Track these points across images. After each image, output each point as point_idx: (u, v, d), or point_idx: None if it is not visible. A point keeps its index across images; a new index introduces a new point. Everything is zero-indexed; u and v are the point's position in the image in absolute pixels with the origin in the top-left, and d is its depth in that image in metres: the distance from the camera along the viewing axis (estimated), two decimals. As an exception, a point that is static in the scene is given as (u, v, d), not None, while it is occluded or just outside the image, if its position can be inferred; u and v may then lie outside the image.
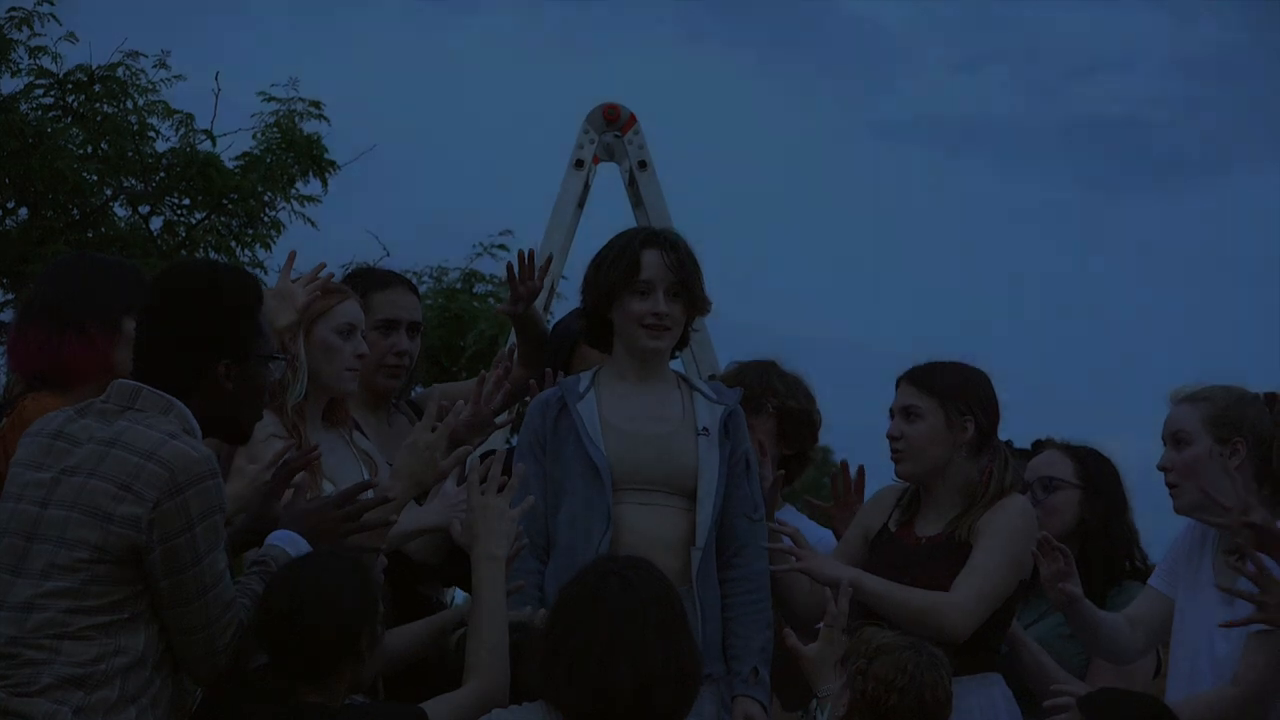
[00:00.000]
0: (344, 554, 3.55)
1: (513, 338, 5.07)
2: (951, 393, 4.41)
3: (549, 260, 5.08)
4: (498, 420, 4.41)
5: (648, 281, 4.27)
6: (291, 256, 4.52)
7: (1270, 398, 4.43)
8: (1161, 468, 4.38)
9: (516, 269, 4.84)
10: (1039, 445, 5.00)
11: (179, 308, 3.47)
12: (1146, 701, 3.93)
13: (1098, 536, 4.71)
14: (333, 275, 4.53)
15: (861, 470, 4.89)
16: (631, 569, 3.44)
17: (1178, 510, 4.35)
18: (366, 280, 4.86)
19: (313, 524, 3.64)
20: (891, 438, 4.45)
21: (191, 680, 3.46)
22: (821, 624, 3.98)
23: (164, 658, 3.36)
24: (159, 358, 3.44)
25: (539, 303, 5.03)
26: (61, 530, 3.29)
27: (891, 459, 4.47)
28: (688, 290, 4.32)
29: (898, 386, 4.50)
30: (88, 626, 3.26)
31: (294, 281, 4.38)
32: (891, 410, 4.49)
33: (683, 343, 4.44)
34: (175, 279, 3.59)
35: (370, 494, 3.77)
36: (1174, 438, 4.40)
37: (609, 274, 4.29)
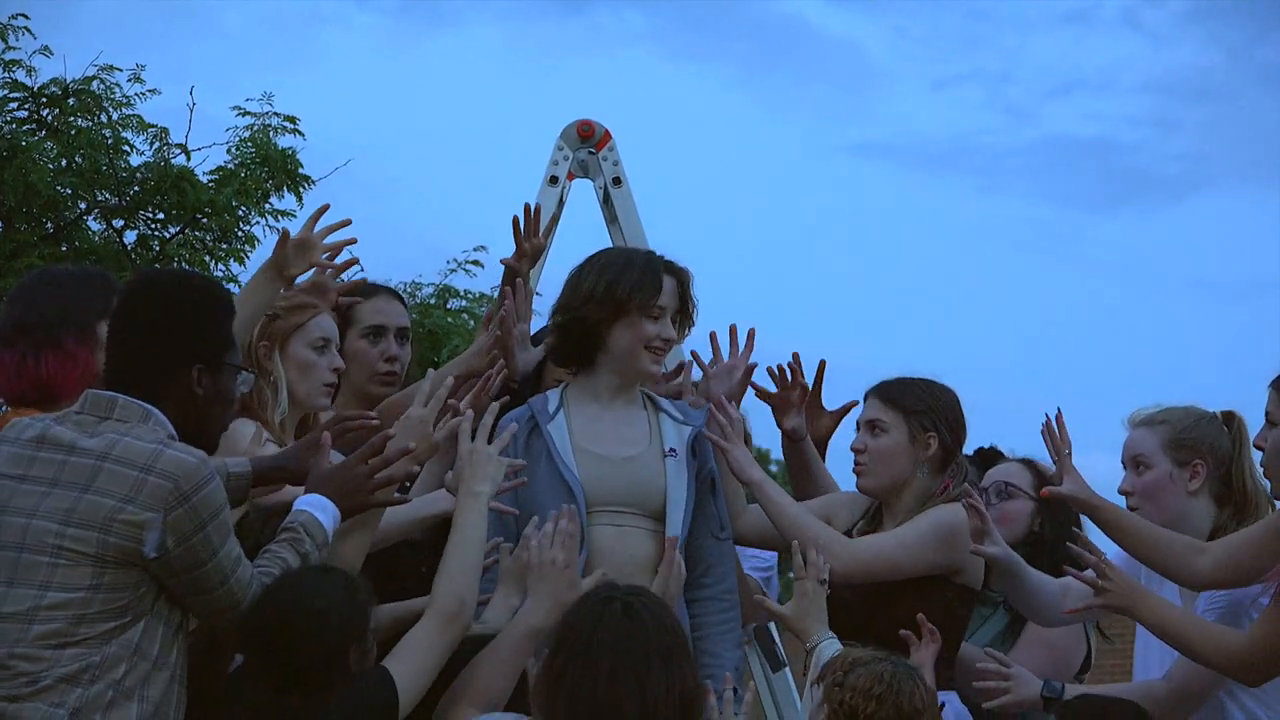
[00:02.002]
0: (334, 569, 3.56)
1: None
2: (917, 409, 4.45)
3: (554, 220, 5.10)
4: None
5: (663, 307, 4.33)
6: (324, 209, 4.52)
7: (1227, 416, 4.47)
8: (1123, 492, 4.42)
9: (522, 223, 4.84)
10: (981, 452, 5.05)
11: (151, 314, 3.46)
12: (1126, 707, 3.97)
13: (1047, 547, 4.76)
14: (355, 240, 4.54)
15: (822, 365, 4.91)
16: (632, 596, 3.47)
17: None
18: (350, 293, 4.88)
19: (338, 484, 3.67)
20: (855, 450, 4.49)
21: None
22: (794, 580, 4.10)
23: (164, 654, 3.35)
24: (131, 364, 3.43)
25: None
26: (58, 541, 3.28)
27: (854, 471, 4.51)
28: (682, 320, 4.40)
29: (865, 400, 4.54)
30: (92, 636, 3.27)
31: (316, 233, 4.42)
32: (857, 423, 4.53)
33: None
34: (146, 286, 3.59)
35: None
36: (1133, 461, 4.45)
37: (630, 292, 4.29)
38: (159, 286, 3.58)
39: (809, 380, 4.80)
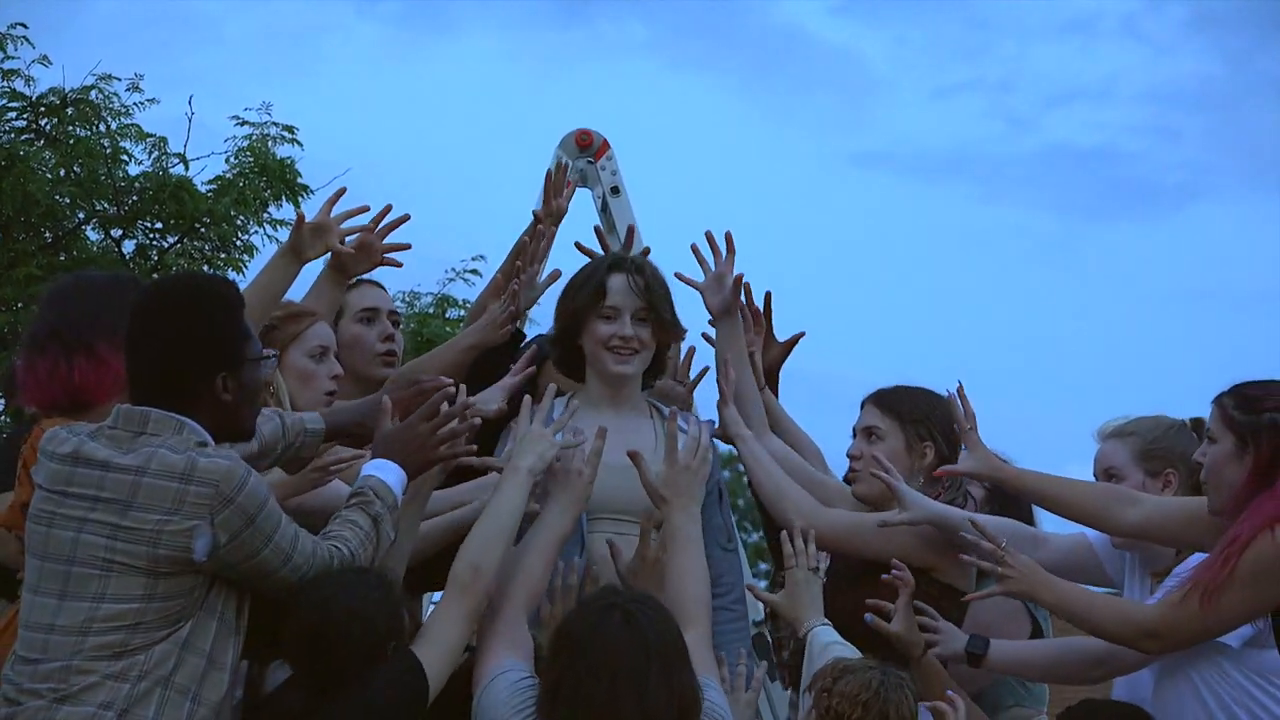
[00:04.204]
0: (371, 570, 3.58)
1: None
2: (914, 417, 4.46)
3: (572, 188, 5.19)
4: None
5: (613, 307, 4.30)
6: (340, 192, 4.57)
7: (1196, 424, 4.45)
8: None
9: (555, 177, 5.01)
10: None
11: (166, 329, 3.45)
12: (1125, 709, 3.98)
13: None
14: (371, 227, 4.60)
15: (768, 296, 4.94)
16: (633, 602, 3.48)
17: (1116, 546, 4.38)
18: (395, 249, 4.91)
19: (403, 444, 3.73)
20: (851, 456, 4.51)
21: None
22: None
23: (220, 651, 3.37)
24: (154, 381, 3.44)
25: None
26: (108, 555, 3.30)
27: (848, 479, 4.53)
28: (656, 315, 4.33)
29: (862, 407, 4.54)
30: (148, 643, 3.29)
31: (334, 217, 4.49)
32: (854, 429, 4.54)
33: (660, 370, 4.47)
34: (156, 299, 3.55)
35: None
36: (1105, 474, 4.45)
37: (576, 299, 4.33)
38: (169, 299, 3.53)
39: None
